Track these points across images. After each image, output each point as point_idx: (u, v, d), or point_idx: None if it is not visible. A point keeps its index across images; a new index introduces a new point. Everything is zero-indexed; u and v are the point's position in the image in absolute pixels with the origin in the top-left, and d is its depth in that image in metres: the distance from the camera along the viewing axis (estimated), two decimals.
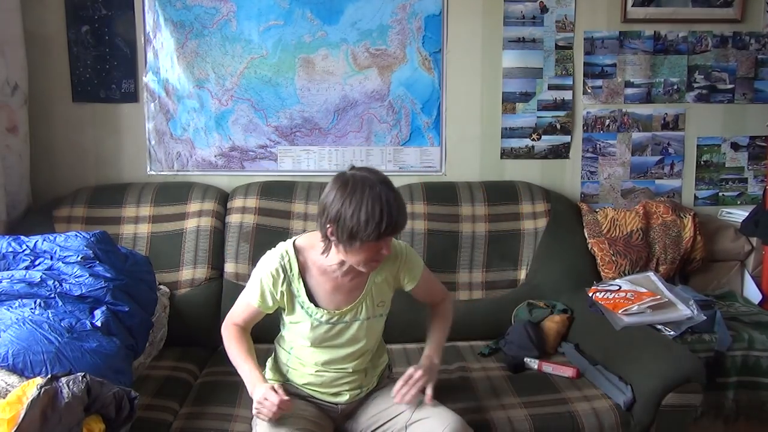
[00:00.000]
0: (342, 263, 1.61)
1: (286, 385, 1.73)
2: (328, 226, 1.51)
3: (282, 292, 1.64)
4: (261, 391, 1.55)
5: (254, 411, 1.59)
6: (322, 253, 1.58)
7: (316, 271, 1.65)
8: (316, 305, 1.65)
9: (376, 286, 1.69)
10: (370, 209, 1.45)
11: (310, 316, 1.65)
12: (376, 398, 1.75)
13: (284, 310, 1.68)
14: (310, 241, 1.67)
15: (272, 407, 1.52)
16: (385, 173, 2.69)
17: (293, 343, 1.72)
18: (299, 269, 1.64)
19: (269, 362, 1.82)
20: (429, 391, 1.65)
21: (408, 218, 2.44)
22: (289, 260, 1.64)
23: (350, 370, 1.70)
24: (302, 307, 1.65)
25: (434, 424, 1.58)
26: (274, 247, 1.70)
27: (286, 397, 1.54)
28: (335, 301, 1.66)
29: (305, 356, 1.71)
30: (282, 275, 1.63)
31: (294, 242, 1.68)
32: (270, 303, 1.66)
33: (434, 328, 1.80)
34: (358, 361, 1.71)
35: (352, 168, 1.56)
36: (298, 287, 1.64)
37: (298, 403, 1.66)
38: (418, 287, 1.77)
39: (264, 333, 1.79)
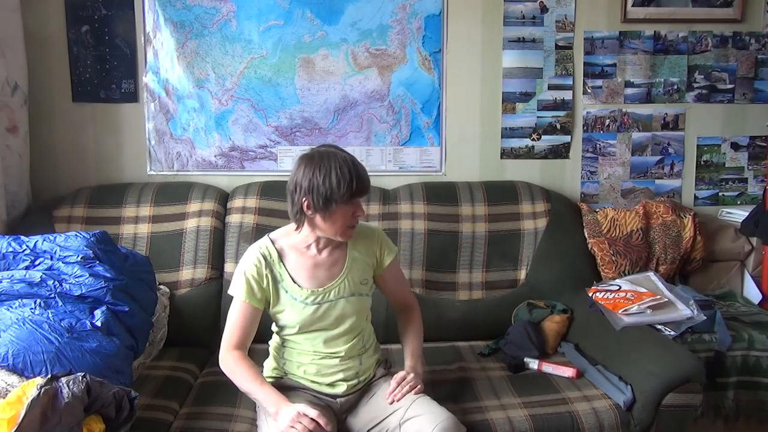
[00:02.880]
0: (318, 239, 1.72)
1: (284, 379, 1.76)
2: (303, 199, 1.63)
3: (267, 276, 1.70)
4: (291, 411, 1.55)
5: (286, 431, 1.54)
6: (296, 229, 1.70)
7: (294, 253, 1.75)
8: (300, 286, 1.71)
9: (356, 261, 1.78)
10: (339, 172, 1.61)
11: (295, 299, 1.70)
12: (374, 395, 1.77)
13: (270, 302, 1.72)
14: (284, 230, 1.80)
15: (310, 424, 1.52)
16: (385, 173, 2.69)
17: (285, 334, 1.75)
18: (278, 255, 1.73)
19: (266, 362, 1.84)
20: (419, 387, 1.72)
21: (408, 218, 2.46)
22: (267, 248, 1.75)
23: (343, 355, 1.73)
24: (287, 291, 1.71)
25: (427, 422, 1.60)
26: None
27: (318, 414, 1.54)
28: (318, 278, 1.73)
29: (298, 345, 1.74)
30: (263, 261, 1.72)
31: (268, 236, 1.78)
32: (257, 294, 1.70)
33: (410, 338, 1.85)
34: (350, 344, 1.75)
35: (313, 148, 1.71)
36: (281, 271, 1.72)
37: (300, 397, 1.67)
38: (390, 272, 1.85)
39: (260, 333, 1.79)
